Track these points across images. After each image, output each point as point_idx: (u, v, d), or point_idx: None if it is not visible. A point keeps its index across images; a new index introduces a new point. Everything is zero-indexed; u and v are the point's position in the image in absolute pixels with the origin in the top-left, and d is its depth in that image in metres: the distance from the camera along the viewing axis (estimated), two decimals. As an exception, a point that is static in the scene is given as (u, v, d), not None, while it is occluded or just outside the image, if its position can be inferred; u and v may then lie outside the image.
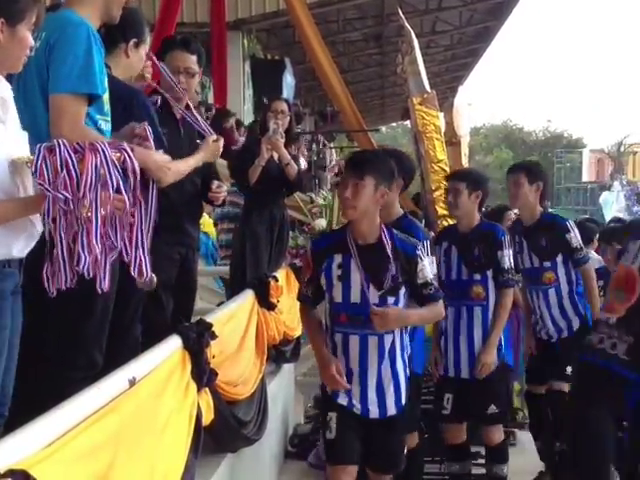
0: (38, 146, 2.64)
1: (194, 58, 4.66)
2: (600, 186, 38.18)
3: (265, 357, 4.90)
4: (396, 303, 3.94)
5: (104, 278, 2.80)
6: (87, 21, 3.23)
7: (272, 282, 5.19)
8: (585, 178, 46.67)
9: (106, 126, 3.42)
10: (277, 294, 5.23)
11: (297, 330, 6.06)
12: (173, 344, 3.07)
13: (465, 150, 16.33)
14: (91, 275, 2.77)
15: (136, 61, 3.96)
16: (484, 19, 24.03)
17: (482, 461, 5.79)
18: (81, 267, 2.71)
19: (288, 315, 5.68)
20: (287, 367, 6.56)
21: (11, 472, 1.69)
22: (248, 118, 15.43)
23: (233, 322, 4.32)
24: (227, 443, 4.13)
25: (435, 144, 11.50)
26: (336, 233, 4.49)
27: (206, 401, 3.27)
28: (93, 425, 2.16)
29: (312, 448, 5.96)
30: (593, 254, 7.36)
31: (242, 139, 11.25)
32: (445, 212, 8.63)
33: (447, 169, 12.08)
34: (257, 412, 4.55)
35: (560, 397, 5.30)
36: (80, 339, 3.21)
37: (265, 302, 5.00)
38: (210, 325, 3.37)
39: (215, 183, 4.67)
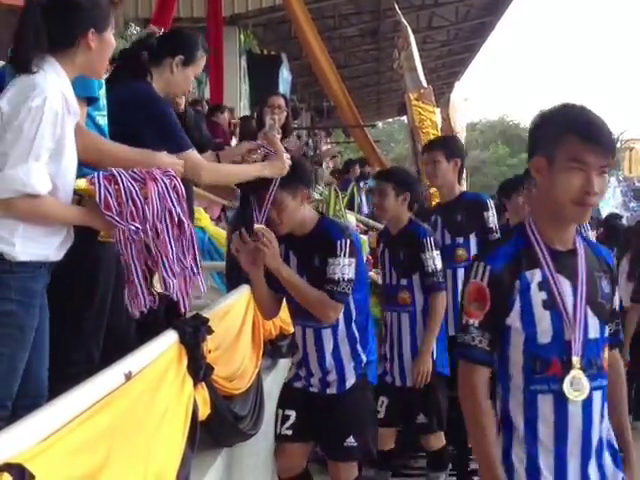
0: (96, 175, 2.72)
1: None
2: (596, 182, 38.20)
3: (261, 352, 4.90)
4: None
5: (187, 299, 2.99)
6: None
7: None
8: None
9: (103, 121, 3.44)
10: (273, 289, 5.22)
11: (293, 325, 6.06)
12: (169, 339, 3.07)
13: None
14: (179, 298, 2.91)
15: (181, 80, 3.99)
16: (480, 14, 24.03)
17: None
18: (171, 291, 2.83)
19: (284, 310, 5.67)
20: (283, 362, 6.55)
21: (7, 466, 1.69)
22: (244, 113, 15.41)
23: (229, 317, 4.32)
24: (223, 438, 4.13)
25: (432, 140, 11.53)
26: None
27: (202, 396, 3.27)
28: (89, 419, 2.16)
29: (308, 443, 5.95)
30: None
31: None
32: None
33: (443, 165, 12.07)
34: (253, 407, 4.54)
35: None
36: (77, 334, 3.21)
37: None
38: (206, 320, 3.37)
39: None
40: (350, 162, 16.53)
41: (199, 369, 3.21)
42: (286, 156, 4.28)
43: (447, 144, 5.41)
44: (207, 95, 14.49)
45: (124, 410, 2.43)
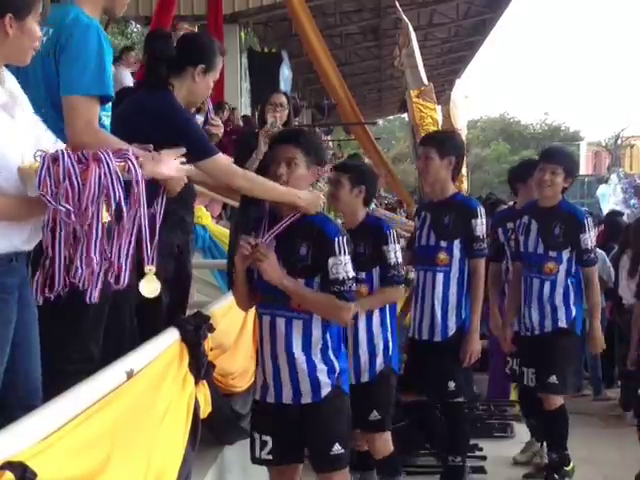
0: (43, 155, 2.62)
1: None
2: (597, 179, 38.19)
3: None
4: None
5: (95, 290, 2.75)
6: (94, 19, 3.26)
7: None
8: (582, 171, 46.63)
9: (107, 121, 3.45)
10: (275, 287, 5.22)
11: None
12: (171, 336, 3.07)
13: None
14: (85, 287, 2.73)
15: (202, 87, 4.00)
16: (481, 12, 24.05)
17: (480, 453, 5.81)
18: (77, 279, 2.70)
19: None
20: (284, 360, 6.56)
21: (9, 464, 1.69)
22: (244, 111, 15.42)
23: (230, 315, 4.32)
24: (225, 436, 4.14)
25: (432, 137, 11.53)
26: None
27: (203, 393, 3.27)
28: (91, 417, 2.16)
29: (309, 441, 5.95)
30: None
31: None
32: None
33: (444, 162, 12.06)
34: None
35: None
36: (76, 332, 3.21)
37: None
38: (208, 318, 3.38)
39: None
40: (353, 157, 16.50)
41: (200, 367, 3.21)
42: (322, 197, 4.10)
43: (442, 141, 5.26)
44: (208, 93, 14.48)
45: (126, 408, 2.43)
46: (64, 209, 2.55)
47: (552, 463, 5.51)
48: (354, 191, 4.70)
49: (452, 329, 5.09)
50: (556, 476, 5.44)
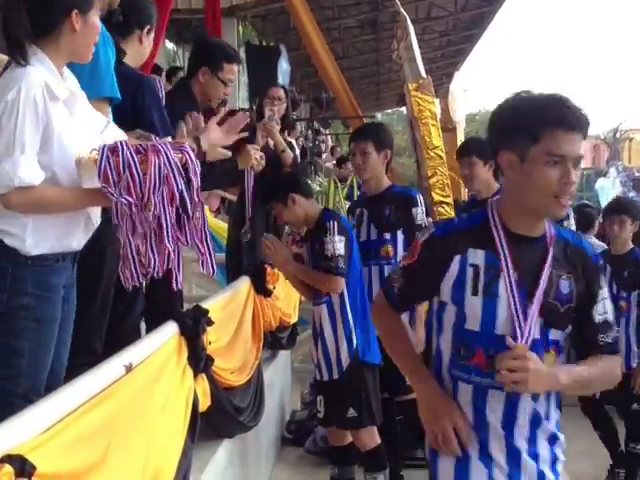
0: (102, 146, 2.66)
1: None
2: (596, 172, 38.17)
3: (261, 343, 4.90)
4: None
5: (179, 276, 2.86)
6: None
7: (268, 269, 5.19)
8: (581, 164, 46.63)
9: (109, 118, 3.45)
10: (273, 280, 5.23)
11: (293, 316, 6.07)
12: (170, 330, 3.07)
13: (461, 136, 16.35)
14: (161, 276, 2.83)
15: (147, 47, 4.03)
16: (479, 5, 23.98)
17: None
18: (151, 269, 2.76)
19: (284, 301, 5.69)
20: (283, 354, 6.57)
21: (8, 457, 1.69)
22: (242, 104, 15.39)
23: (229, 309, 4.32)
24: (224, 429, 4.14)
25: (431, 130, 11.50)
26: None
27: (202, 387, 3.27)
28: (90, 411, 2.16)
29: (309, 434, 5.97)
30: (593, 240, 7.37)
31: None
32: (442, 198, 8.59)
33: (443, 155, 12.06)
34: (254, 398, 4.55)
35: None
36: (80, 326, 3.21)
37: (261, 288, 5.00)
38: (206, 311, 3.37)
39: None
40: None
41: (199, 360, 3.21)
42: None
43: (377, 133, 5.10)
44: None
45: (125, 402, 2.43)
46: (125, 201, 2.58)
47: None
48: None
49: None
50: None
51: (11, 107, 2.55)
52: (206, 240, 2.86)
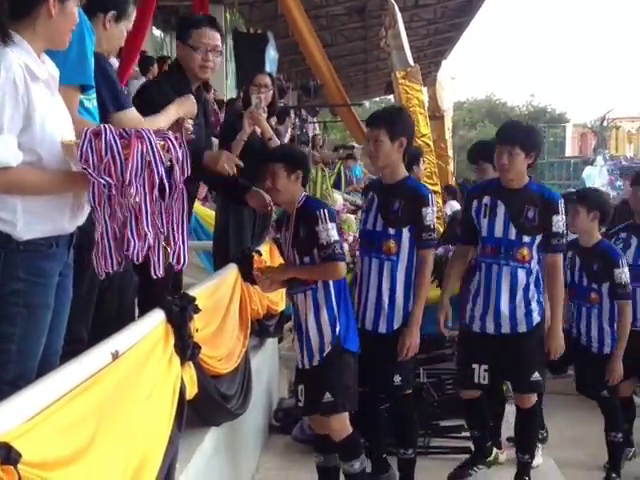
0: (85, 129, 2.67)
1: (219, 36, 4.66)
2: (583, 161, 38.28)
3: (249, 331, 4.90)
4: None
5: (158, 263, 2.84)
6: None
7: (256, 256, 5.18)
8: (568, 153, 46.78)
9: (90, 104, 3.43)
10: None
11: (281, 304, 6.06)
12: (156, 317, 3.06)
13: (449, 124, 16.37)
14: (140, 261, 2.81)
15: (115, 34, 3.91)
16: (467, -7, 23.97)
17: (466, 434, 5.83)
18: (130, 252, 2.75)
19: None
20: (271, 342, 6.56)
21: (-7, 445, 1.69)
22: (230, 93, 15.36)
23: (216, 296, 4.31)
24: (211, 417, 4.14)
25: (419, 118, 11.52)
26: None
27: (190, 375, 3.26)
28: (76, 398, 2.16)
29: (296, 422, 5.97)
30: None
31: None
32: (429, 186, 8.57)
33: (430, 143, 12.07)
34: (241, 386, 4.55)
35: None
36: None
37: (249, 276, 4.99)
38: (193, 299, 3.37)
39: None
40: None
41: (186, 348, 3.20)
42: (192, 97, 4.43)
43: (392, 120, 4.81)
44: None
45: (111, 389, 2.42)
46: (104, 182, 2.58)
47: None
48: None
49: (399, 321, 4.84)
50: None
51: None
52: (182, 231, 2.86)
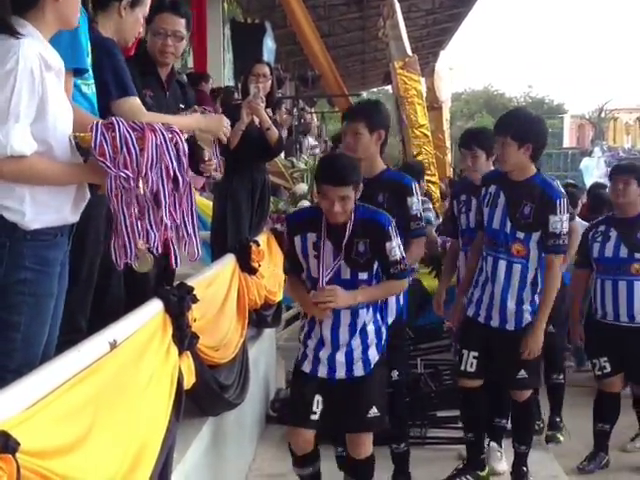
0: (95, 122, 2.69)
1: (183, 22, 4.60)
2: (581, 152, 38.23)
3: (246, 321, 4.90)
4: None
5: (178, 255, 2.89)
6: None
7: (253, 246, 5.18)
8: (566, 144, 46.70)
9: (89, 89, 3.41)
10: (258, 258, 5.22)
11: (279, 295, 6.06)
12: (154, 307, 3.07)
13: (447, 115, 16.35)
14: (160, 252, 2.84)
15: (131, 22, 3.91)
16: (466, -17, 23.92)
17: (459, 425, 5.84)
18: (151, 244, 2.79)
19: (269, 279, 5.68)
20: (268, 332, 6.57)
21: (-8, 433, 1.69)
22: (228, 82, 15.32)
23: (214, 286, 4.32)
24: (208, 407, 4.14)
25: (417, 109, 11.52)
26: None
27: (187, 365, 3.26)
28: (74, 387, 2.16)
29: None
30: (577, 219, 7.40)
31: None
32: (427, 177, 8.54)
33: (428, 134, 12.05)
34: (238, 376, 4.56)
35: None
36: (64, 303, 3.20)
37: (246, 266, 4.99)
38: (191, 288, 3.37)
39: (207, 155, 4.56)
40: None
41: (184, 338, 3.21)
42: (226, 121, 4.36)
43: (370, 113, 4.76)
44: (190, 64, 14.39)
45: (109, 378, 2.43)
46: (124, 175, 2.60)
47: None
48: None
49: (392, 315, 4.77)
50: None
51: (8, 76, 2.55)
52: (193, 223, 2.89)
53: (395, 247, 4.15)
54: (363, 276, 4.18)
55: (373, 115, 4.76)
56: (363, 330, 4.22)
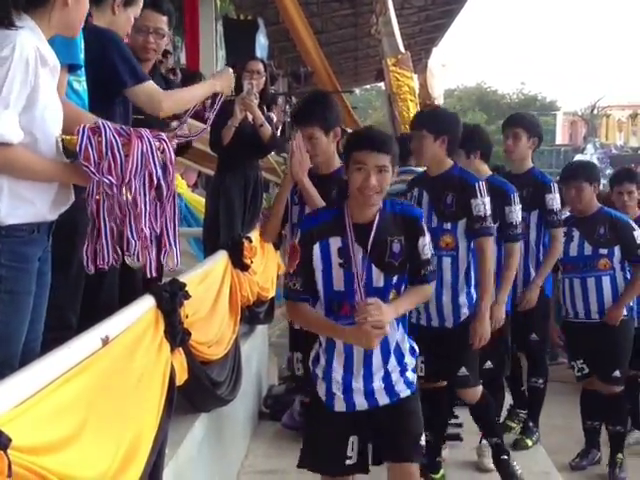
0: (82, 126, 2.67)
1: (165, 19, 4.61)
2: (573, 149, 38.30)
3: (239, 318, 4.90)
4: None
5: (153, 265, 2.86)
6: None
7: (246, 243, 5.17)
8: (559, 141, 46.80)
9: (80, 86, 3.41)
10: (251, 255, 5.21)
11: (271, 291, 6.07)
12: (146, 303, 3.06)
13: (439, 112, 16.30)
14: (139, 260, 2.82)
15: (122, 20, 3.94)
16: (458, -20, 23.91)
17: (456, 421, 5.85)
18: (132, 251, 2.78)
19: (262, 276, 5.68)
20: (261, 328, 6.57)
21: (-17, 430, 1.68)
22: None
23: (207, 282, 4.31)
24: (201, 403, 4.14)
25: (409, 106, 11.53)
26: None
27: (179, 361, 3.26)
28: (66, 384, 2.15)
29: (286, 409, 5.98)
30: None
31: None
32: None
33: (421, 131, 12.00)
34: (231, 373, 4.56)
35: None
36: (54, 299, 3.19)
37: (239, 263, 4.99)
38: (183, 285, 3.36)
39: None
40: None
41: (176, 334, 3.20)
42: (231, 71, 4.35)
43: (323, 116, 4.41)
44: (183, 60, 14.37)
45: (101, 375, 2.42)
46: (107, 181, 2.59)
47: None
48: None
49: None
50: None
51: (2, 63, 2.54)
52: (174, 232, 2.88)
53: (427, 244, 3.59)
54: (393, 281, 3.56)
55: (325, 116, 4.38)
56: (397, 349, 3.65)
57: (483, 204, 4.69)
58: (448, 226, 4.75)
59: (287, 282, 3.58)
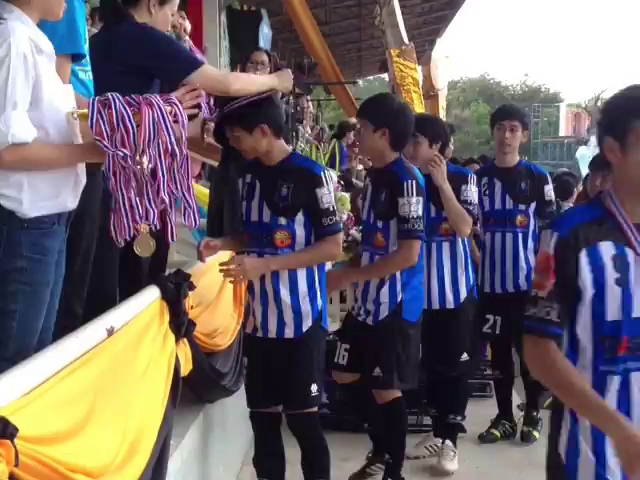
0: (92, 99, 2.68)
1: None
2: (577, 141, 38.27)
3: (243, 308, 4.88)
4: None
5: (174, 228, 2.91)
6: None
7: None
8: (562, 133, 46.71)
9: (86, 75, 3.40)
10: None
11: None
12: (151, 294, 3.07)
13: (443, 103, 16.33)
14: (159, 227, 2.85)
15: (160, 19, 3.92)
16: (463, -29, 23.85)
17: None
18: (151, 220, 2.80)
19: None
20: (265, 319, 6.56)
21: (-10, 419, 1.69)
22: (224, 70, 15.28)
23: (211, 274, 4.31)
24: (205, 394, 4.15)
25: (413, 97, 11.51)
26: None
27: (184, 352, 3.27)
28: (71, 374, 2.16)
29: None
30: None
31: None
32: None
33: (425, 122, 11.98)
34: (235, 363, 4.56)
35: None
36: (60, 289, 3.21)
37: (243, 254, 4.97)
38: (188, 276, 3.37)
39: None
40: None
41: (181, 325, 3.21)
42: (290, 72, 4.33)
43: (244, 115, 4.09)
44: (187, 51, 14.35)
45: (106, 365, 2.43)
46: (121, 154, 2.59)
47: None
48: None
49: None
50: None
51: (1, 64, 2.54)
52: (191, 192, 2.90)
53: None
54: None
55: (247, 115, 4.10)
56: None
57: (408, 204, 4.43)
58: (380, 224, 4.59)
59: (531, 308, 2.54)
